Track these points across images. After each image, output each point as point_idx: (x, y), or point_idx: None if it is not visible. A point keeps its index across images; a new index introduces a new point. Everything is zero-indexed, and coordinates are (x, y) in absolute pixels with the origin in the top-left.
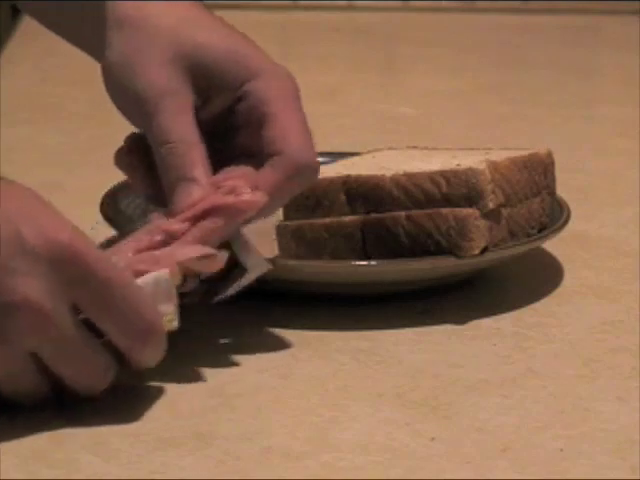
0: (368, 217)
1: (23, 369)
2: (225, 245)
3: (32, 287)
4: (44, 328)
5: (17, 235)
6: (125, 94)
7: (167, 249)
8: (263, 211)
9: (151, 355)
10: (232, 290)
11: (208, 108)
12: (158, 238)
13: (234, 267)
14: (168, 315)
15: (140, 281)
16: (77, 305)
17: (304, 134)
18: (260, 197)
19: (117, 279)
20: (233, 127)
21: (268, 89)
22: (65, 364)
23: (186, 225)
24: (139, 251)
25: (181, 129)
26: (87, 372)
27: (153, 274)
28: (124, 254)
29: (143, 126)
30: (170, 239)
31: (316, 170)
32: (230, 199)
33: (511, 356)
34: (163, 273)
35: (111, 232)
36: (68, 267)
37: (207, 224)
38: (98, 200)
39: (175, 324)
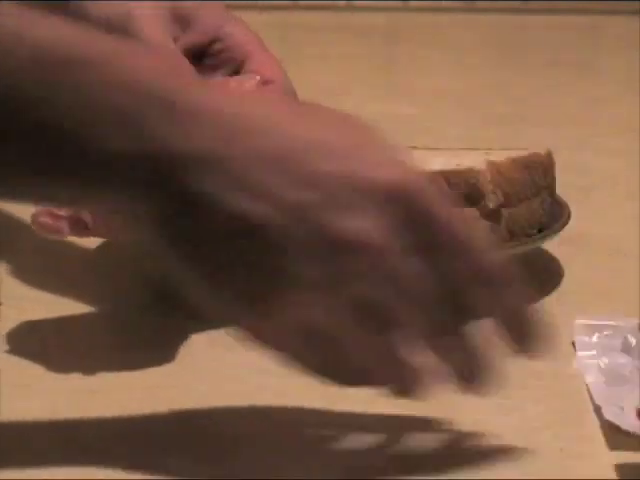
0: None
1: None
2: None
3: (365, 225)
4: (379, 266)
5: (351, 171)
6: None
7: None
8: None
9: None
10: None
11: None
12: None
13: None
14: None
15: None
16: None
17: (283, 71)
18: None
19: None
20: (207, 69)
21: (242, 32)
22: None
23: None
24: None
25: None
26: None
27: None
28: None
29: None
30: None
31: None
32: None
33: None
34: None
35: None
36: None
37: None
38: None
39: None
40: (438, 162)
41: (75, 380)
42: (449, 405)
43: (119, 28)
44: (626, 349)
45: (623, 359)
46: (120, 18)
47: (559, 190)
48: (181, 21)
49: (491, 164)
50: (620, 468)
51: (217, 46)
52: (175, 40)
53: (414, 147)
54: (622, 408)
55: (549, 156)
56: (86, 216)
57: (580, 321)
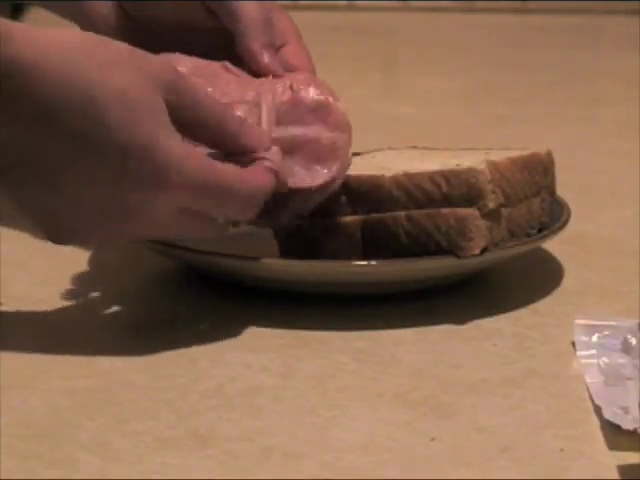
0: (368, 217)
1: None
2: None
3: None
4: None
5: (155, 102)
6: None
7: None
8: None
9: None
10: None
11: None
12: None
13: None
14: None
15: None
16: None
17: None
18: None
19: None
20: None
21: (287, 21)
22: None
23: None
24: None
25: None
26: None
27: None
28: None
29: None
30: None
31: None
32: None
33: (511, 356)
34: None
35: None
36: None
37: None
38: None
39: None
40: (438, 162)
41: (75, 380)
42: (449, 405)
43: None
44: (626, 349)
45: (623, 359)
46: None
47: (559, 190)
48: None
49: (491, 164)
50: (620, 468)
51: None
52: None
53: (414, 147)
54: (623, 408)
55: (549, 156)
56: None
57: (580, 321)
